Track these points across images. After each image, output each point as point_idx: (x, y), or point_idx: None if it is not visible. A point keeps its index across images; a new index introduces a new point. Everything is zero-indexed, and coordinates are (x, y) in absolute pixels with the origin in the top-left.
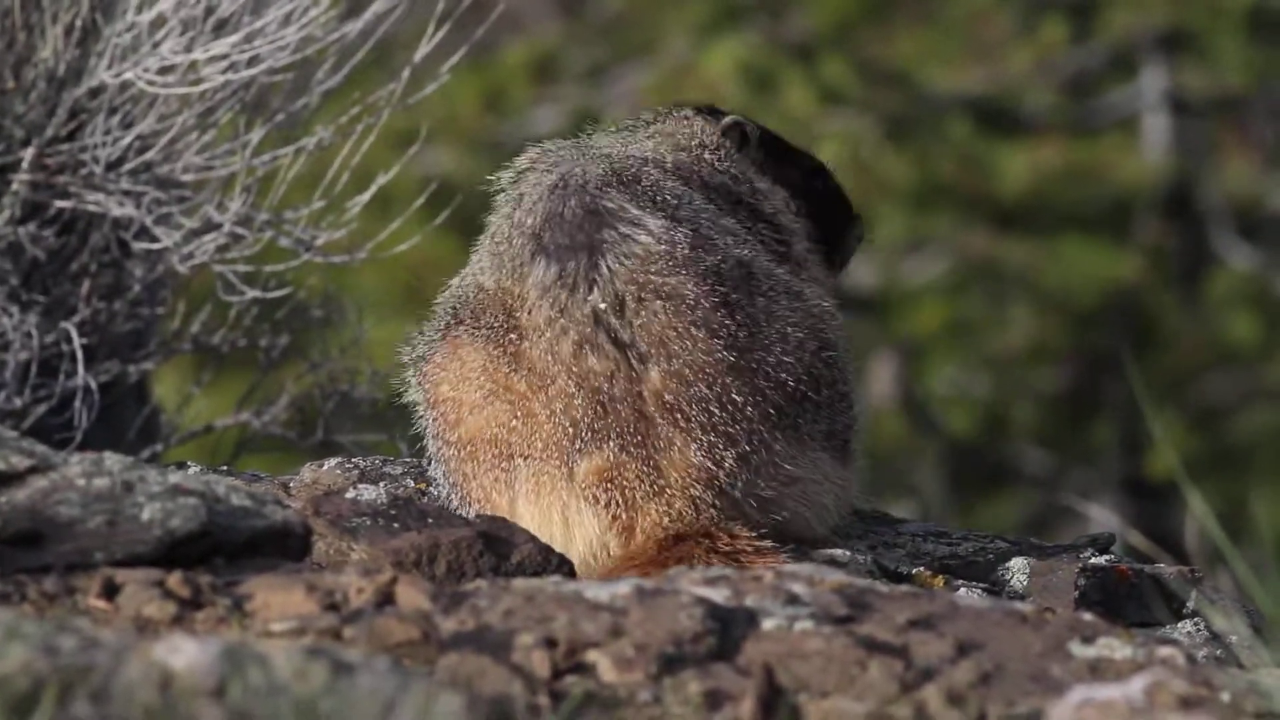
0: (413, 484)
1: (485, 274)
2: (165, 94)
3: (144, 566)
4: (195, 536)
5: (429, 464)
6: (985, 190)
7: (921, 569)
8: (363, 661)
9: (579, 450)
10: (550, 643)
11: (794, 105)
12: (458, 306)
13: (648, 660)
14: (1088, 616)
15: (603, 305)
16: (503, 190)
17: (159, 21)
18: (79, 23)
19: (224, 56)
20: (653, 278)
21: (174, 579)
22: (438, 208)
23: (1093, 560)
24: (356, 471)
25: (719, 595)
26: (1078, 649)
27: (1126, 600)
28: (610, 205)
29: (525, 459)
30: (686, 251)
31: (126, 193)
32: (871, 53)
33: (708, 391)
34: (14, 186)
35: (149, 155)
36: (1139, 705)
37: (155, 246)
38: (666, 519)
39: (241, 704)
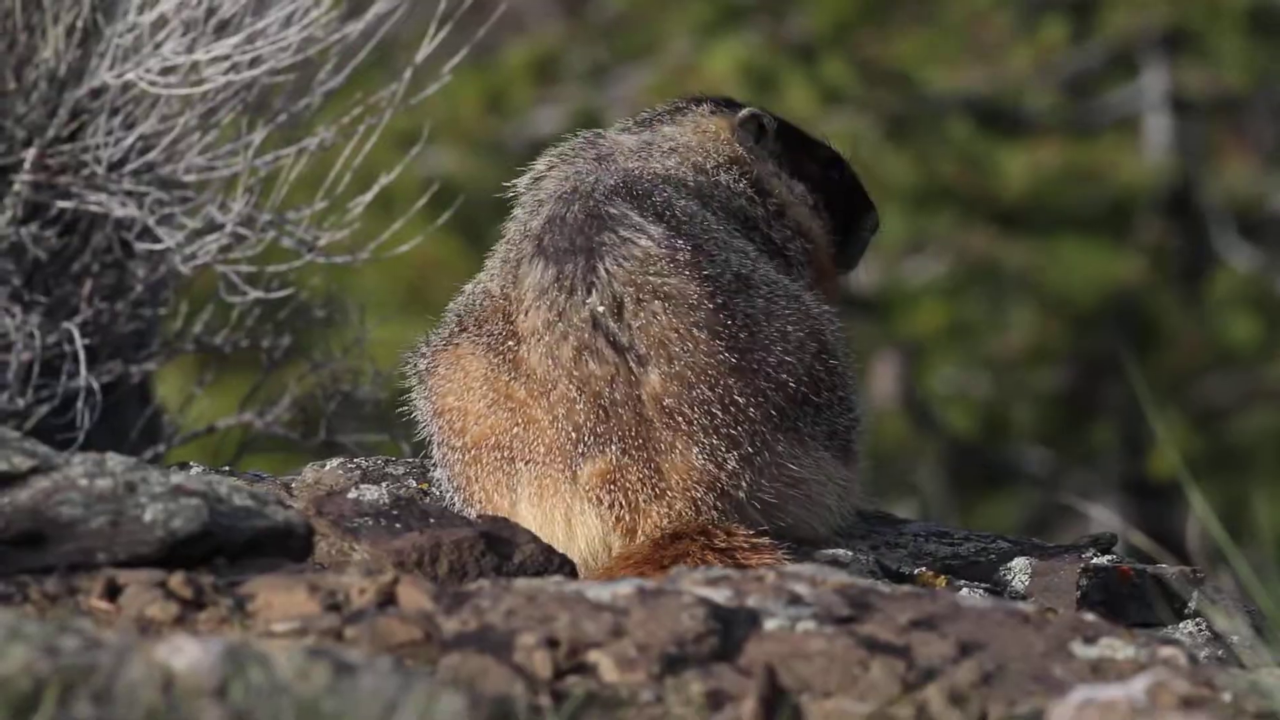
0: (415, 484)
1: (494, 280)
2: (167, 94)
3: (146, 567)
4: (197, 537)
5: (433, 467)
6: (985, 190)
7: (924, 569)
8: (365, 662)
9: (582, 454)
10: (552, 643)
11: (795, 105)
12: (463, 314)
13: (650, 660)
14: (1090, 617)
15: (601, 308)
16: (519, 195)
17: (160, 22)
18: (80, 23)
19: (226, 57)
20: (651, 279)
21: (176, 579)
22: (440, 208)
23: (1094, 560)
24: (358, 472)
25: (721, 595)
26: (1080, 649)
27: (1128, 600)
28: (613, 211)
29: (528, 463)
30: (687, 256)
31: (129, 193)
32: (872, 53)
33: (709, 393)
34: (16, 187)
35: (151, 156)
36: (1141, 705)
37: (157, 247)
38: (667, 520)
39: (243, 704)
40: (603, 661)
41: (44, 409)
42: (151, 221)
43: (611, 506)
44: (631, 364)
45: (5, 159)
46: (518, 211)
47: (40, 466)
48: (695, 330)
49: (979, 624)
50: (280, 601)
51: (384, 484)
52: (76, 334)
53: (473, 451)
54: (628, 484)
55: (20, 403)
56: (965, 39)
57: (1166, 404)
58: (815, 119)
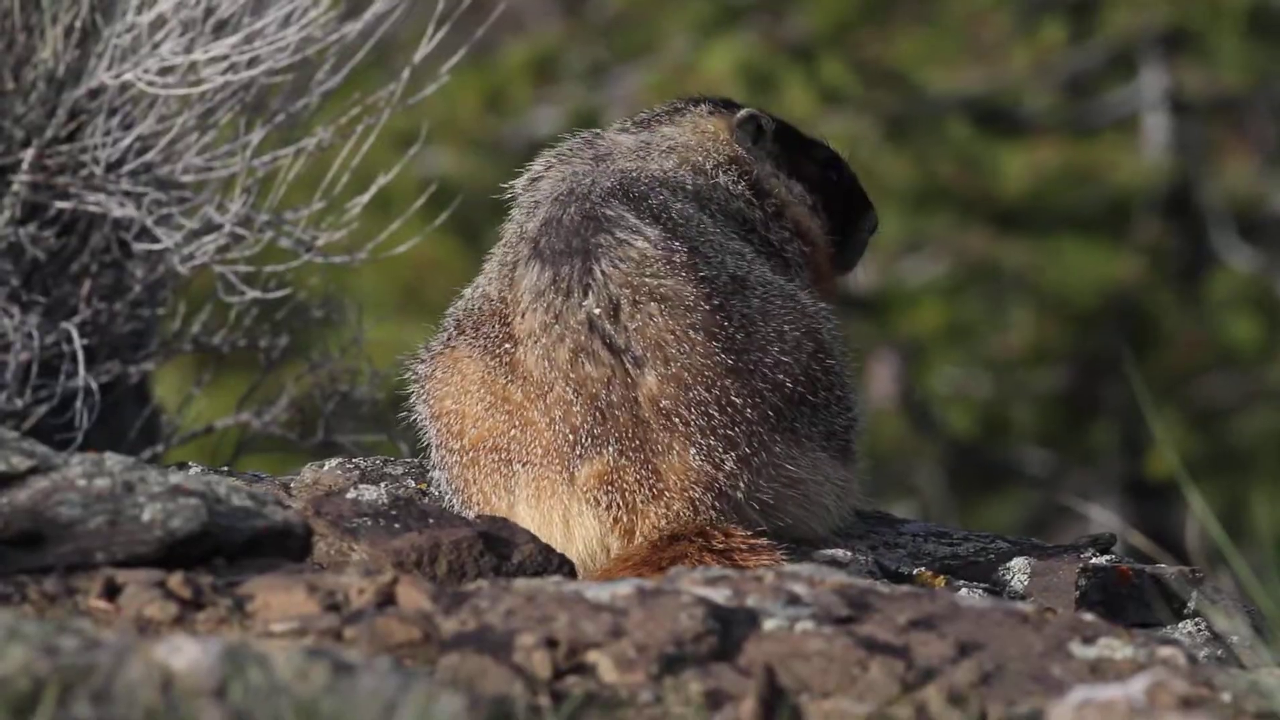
0: (413, 484)
1: (492, 284)
2: (165, 95)
3: (145, 567)
4: (196, 537)
5: (432, 469)
6: (984, 191)
7: (922, 569)
8: (364, 662)
9: (579, 456)
10: (551, 643)
11: (793, 106)
12: (462, 318)
13: (649, 661)
14: (1088, 617)
15: (597, 310)
16: (516, 196)
17: (159, 22)
18: (79, 24)
19: (224, 57)
20: (648, 280)
21: (175, 579)
22: (438, 208)
23: (1093, 560)
24: (357, 472)
25: (720, 596)
26: (1078, 649)
27: (1127, 600)
28: (610, 213)
29: (525, 465)
30: (683, 258)
31: (127, 193)
32: (870, 53)
33: (706, 395)
34: (14, 187)
35: (149, 156)
36: (1140, 705)
37: (156, 247)
38: (665, 521)
39: (242, 705)
40: (602, 662)
41: (42, 409)
42: (149, 222)
43: (609, 508)
44: (628, 365)
45: (4, 159)
46: (514, 213)
47: (39, 466)
48: (692, 332)
49: (978, 624)
50: (279, 602)
51: (382, 484)
52: (75, 334)
53: (470, 454)
54: (625, 485)
55: (19, 403)
56: (964, 39)
57: (1165, 404)
58: (814, 119)
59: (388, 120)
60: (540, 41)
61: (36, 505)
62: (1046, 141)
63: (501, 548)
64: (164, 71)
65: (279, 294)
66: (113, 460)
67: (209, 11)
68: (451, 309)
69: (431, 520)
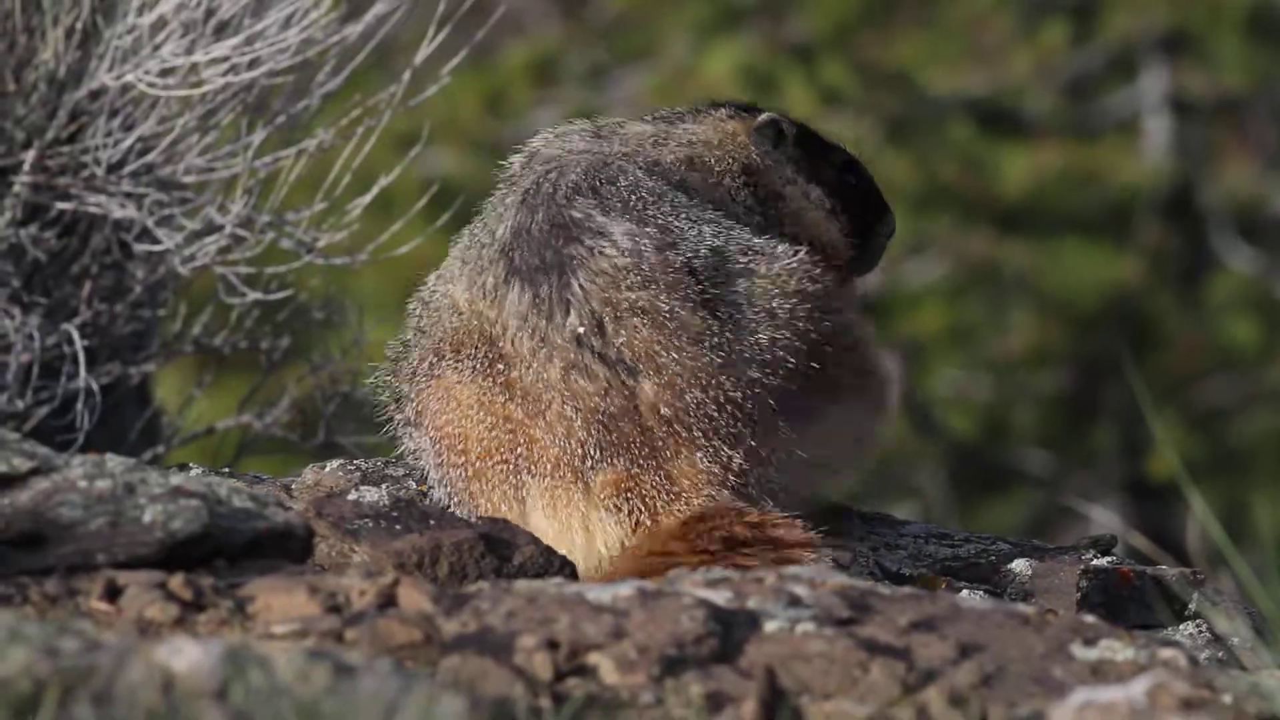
0: (415, 486)
1: (457, 284)
2: (166, 96)
3: (146, 568)
4: (197, 538)
5: (430, 486)
6: (986, 192)
7: (924, 571)
8: (365, 664)
9: (591, 468)
10: (552, 645)
11: (794, 108)
12: (440, 342)
13: (650, 662)
14: (1089, 618)
15: (581, 329)
16: (511, 176)
17: (160, 24)
18: (80, 25)
19: (225, 59)
20: (626, 294)
21: (176, 581)
22: (439, 210)
23: (1094, 562)
24: (358, 473)
25: (721, 597)
26: (1080, 651)
27: (1128, 602)
28: (577, 215)
29: (536, 476)
30: (653, 258)
31: (128, 195)
32: (871, 55)
33: (702, 396)
34: (15, 188)
35: (150, 157)
36: (1141, 707)
37: (157, 248)
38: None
39: (243, 706)
40: (603, 663)
41: (43, 410)
42: (151, 223)
43: (630, 513)
44: (623, 376)
45: (5, 160)
46: (490, 201)
47: (40, 468)
48: (676, 340)
49: (979, 626)
50: (280, 603)
51: (384, 485)
52: (76, 335)
53: (476, 466)
54: (643, 491)
55: (20, 404)
56: (965, 41)
57: (1166, 406)
58: (814, 121)
59: (389, 122)
60: (540, 43)
61: (38, 506)
62: (1047, 143)
63: (502, 549)
64: (165, 73)
65: (280, 295)
66: (114, 462)
67: (210, 13)
68: (414, 304)
69: (433, 522)
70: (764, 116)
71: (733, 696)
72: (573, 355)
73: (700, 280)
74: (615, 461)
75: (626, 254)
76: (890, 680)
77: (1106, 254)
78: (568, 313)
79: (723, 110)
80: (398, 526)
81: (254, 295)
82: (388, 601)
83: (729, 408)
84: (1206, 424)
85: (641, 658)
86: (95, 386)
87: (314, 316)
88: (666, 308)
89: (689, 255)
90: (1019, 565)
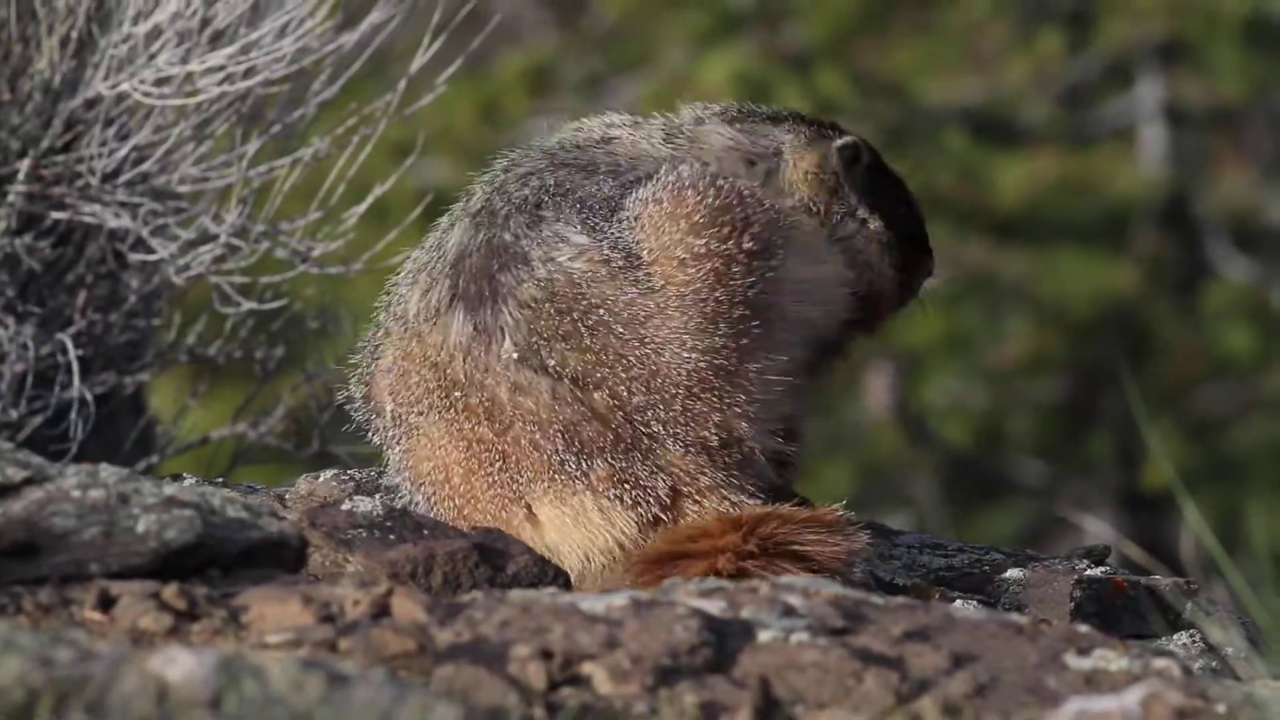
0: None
1: (410, 303)
2: (161, 105)
3: (139, 578)
4: (191, 548)
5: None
6: (982, 201)
7: (917, 581)
8: (358, 673)
9: (581, 470)
10: (546, 654)
11: None
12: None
13: (644, 672)
14: (1083, 628)
15: (515, 355)
16: (503, 171)
17: (155, 33)
18: (75, 34)
19: (220, 68)
20: (544, 323)
21: (169, 591)
22: (434, 219)
23: (1088, 572)
24: (352, 483)
25: (715, 607)
26: (1073, 660)
27: (1122, 612)
28: (508, 237)
29: (533, 477)
30: (567, 291)
31: (123, 204)
32: (867, 64)
33: (646, 400)
34: (10, 198)
35: (145, 167)
36: (1134, 717)
37: (151, 258)
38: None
39: (237, 716)
40: (597, 673)
41: (37, 420)
42: (145, 232)
43: (635, 505)
44: (570, 387)
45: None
46: (477, 186)
47: (33, 477)
48: (605, 354)
49: (972, 635)
50: (274, 613)
51: (378, 495)
52: (70, 345)
53: (462, 490)
54: (640, 480)
55: (13, 414)
56: (962, 50)
57: (1161, 415)
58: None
59: (384, 131)
60: (536, 52)
61: (31, 516)
62: (1044, 152)
63: (496, 559)
64: (160, 82)
65: (275, 305)
66: (107, 471)
67: (205, 22)
68: (381, 304)
69: (426, 531)
70: (842, 140)
71: (727, 706)
72: (515, 377)
73: (619, 257)
74: (595, 463)
75: (540, 286)
76: (884, 690)
77: (1102, 263)
78: (504, 337)
79: (803, 128)
80: (391, 536)
81: (249, 305)
82: (381, 611)
83: (679, 403)
84: (1202, 432)
85: (635, 667)
86: (89, 396)
87: (309, 326)
88: (587, 336)
89: (608, 245)
90: (1013, 575)
